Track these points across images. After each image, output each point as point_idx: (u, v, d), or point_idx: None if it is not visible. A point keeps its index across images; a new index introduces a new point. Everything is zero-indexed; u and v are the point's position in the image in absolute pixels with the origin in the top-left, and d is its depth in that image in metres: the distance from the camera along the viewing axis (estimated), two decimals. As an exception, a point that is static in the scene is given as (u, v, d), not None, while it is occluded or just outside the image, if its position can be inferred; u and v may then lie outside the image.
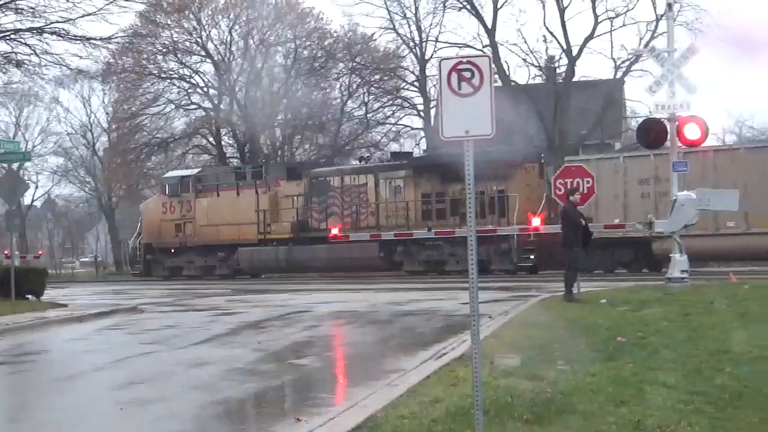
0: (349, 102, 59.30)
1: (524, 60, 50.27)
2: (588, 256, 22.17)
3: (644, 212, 29.65)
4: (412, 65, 56.41)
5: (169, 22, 55.29)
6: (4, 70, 32.60)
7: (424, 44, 54.57)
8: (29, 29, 29.96)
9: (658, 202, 30.89)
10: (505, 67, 49.82)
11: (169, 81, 58.30)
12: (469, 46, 49.44)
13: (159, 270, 47.36)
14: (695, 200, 20.95)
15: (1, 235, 50.93)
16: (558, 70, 50.01)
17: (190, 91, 58.87)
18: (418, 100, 56.96)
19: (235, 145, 60.23)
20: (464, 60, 7.90)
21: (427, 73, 54.21)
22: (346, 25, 58.87)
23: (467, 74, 7.81)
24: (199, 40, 57.00)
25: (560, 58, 49.80)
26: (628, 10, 47.54)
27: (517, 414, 8.27)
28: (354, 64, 57.09)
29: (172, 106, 58.89)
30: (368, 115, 59.05)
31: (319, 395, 11.00)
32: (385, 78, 57.96)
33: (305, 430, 8.65)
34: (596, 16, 47.84)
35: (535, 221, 34.00)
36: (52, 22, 29.63)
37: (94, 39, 30.49)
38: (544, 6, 48.83)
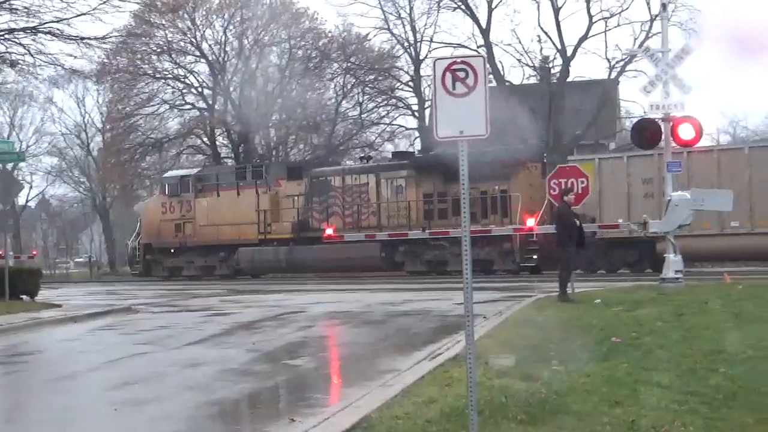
0: (343, 102, 59.40)
1: (519, 60, 50.54)
2: (579, 256, 22.16)
3: (648, 212, 29.60)
4: (407, 65, 56.56)
5: (164, 22, 55.20)
6: (-1, 70, 32.62)
7: (418, 44, 54.70)
8: (23, 29, 29.94)
9: (662, 202, 30.87)
10: (500, 67, 50.00)
11: (163, 81, 58.32)
12: (463, 46, 49.58)
13: (158, 270, 47.24)
14: (689, 200, 20.98)
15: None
16: (552, 71, 50.09)
17: (184, 91, 58.91)
18: (413, 100, 57.03)
19: (230, 146, 60.17)
20: (459, 60, 7.90)
21: (422, 73, 54.31)
22: (340, 25, 59.06)
23: (462, 74, 7.81)
24: (193, 40, 56.98)
25: (555, 58, 49.95)
26: (622, 11, 47.73)
27: (511, 414, 8.27)
28: (348, 64, 57.10)
29: (167, 107, 58.92)
30: (363, 116, 59.05)
31: (314, 396, 11.00)
32: (380, 78, 57.97)
33: (300, 431, 8.65)
34: (591, 16, 47.96)
35: (530, 222, 34.00)
36: (46, 22, 29.65)
37: (89, 39, 30.52)
38: (538, 6, 49.07)
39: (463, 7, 50.25)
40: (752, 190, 30.59)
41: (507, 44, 64.06)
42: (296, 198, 42.27)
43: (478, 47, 48.61)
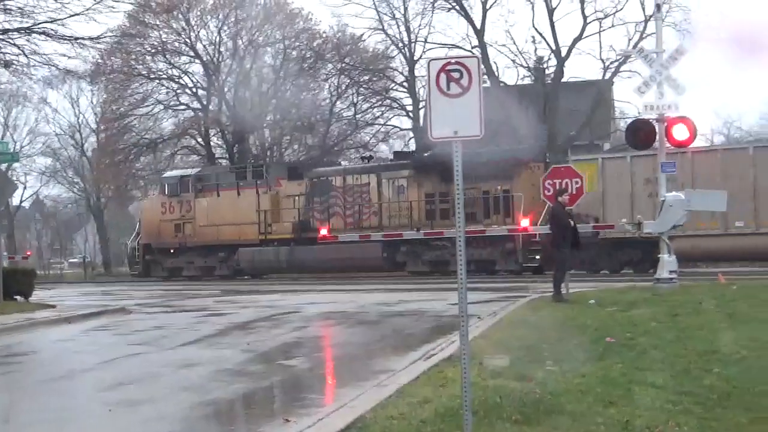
0: (338, 103, 59.31)
1: (513, 61, 50.57)
2: (574, 257, 22.21)
3: (651, 212, 29.60)
4: (401, 66, 56.55)
5: (158, 23, 55.07)
6: (-7, 71, 32.57)
7: (413, 45, 54.74)
8: (18, 29, 29.89)
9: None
10: (494, 67, 50.00)
11: (157, 81, 58.24)
12: (458, 46, 49.64)
13: (158, 271, 47.09)
14: (683, 201, 21.02)
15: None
16: (547, 71, 50.12)
17: (178, 91, 58.86)
18: (407, 100, 57.11)
19: (224, 146, 60.14)
20: (453, 60, 7.91)
21: (416, 73, 54.35)
22: (335, 26, 58.98)
23: (456, 75, 7.81)
24: (187, 40, 56.92)
25: (549, 58, 50.00)
26: (616, 11, 47.79)
27: (505, 414, 8.28)
28: (343, 64, 57.06)
29: (161, 107, 58.86)
30: (357, 116, 59.01)
31: (308, 396, 10.99)
32: (374, 79, 57.95)
33: (294, 431, 8.65)
34: (585, 17, 48.03)
35: (524, 222, 33.97)
36: (40, 22, 29.60)
37: (83, 39, 30.48)
38: (533, 7, 49.06)
39: (457, 7, 50.30)
40: (757, 191, 30.60)
41: (501, 45, 64.39)
42: (297, 198, 42.09)
43: (472, 48, 48.71)
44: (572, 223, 20.39)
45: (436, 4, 51.44)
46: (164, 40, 56.53)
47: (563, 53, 48.54)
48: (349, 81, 58.06)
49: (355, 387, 10.76)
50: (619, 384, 9.62)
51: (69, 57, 31.92)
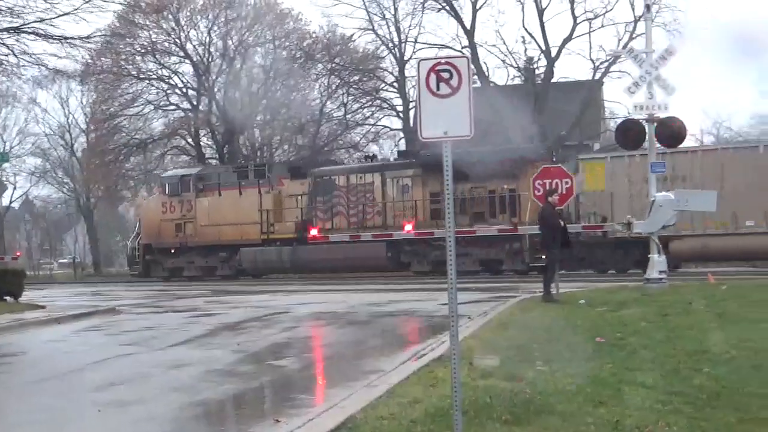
0: (328, 103, 59.33)
1: (503, 61, 50.68)
2: (564, 256, 22.27)
3: None
4: (391, 66, 56.60)
5: (148, 23, 55.05)
6: (-18, 71, 32.46)
7: (403, 45, 54.80)
8: (7, 29, 29.82)
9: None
10: (485, 68, 50.06)
11: (147, 82, 58.19)
12: (448, 47, 49.71)
13: (159, 271, 46.75)
14: (673, 201, 21.07)
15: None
16: (537, 71, 50.21)
17: (168, 92, 58.81)
18: (398, 101, 57.16)
19: (214, 146, 60.08)
20: (443, 61, 7.91)
21: (406, 74, 54.43)
22: (325, 26, 59.07)
23: (446, 75, 7.81)
24: (177, 40, 56.87)
25: (539, 59, 50.12)
26: (606, 12, 47.97)
27: (495, 414, 8.28)
28: (333, 65, 57.06)
29: (151, 107, 58.79)
30: (347, 116, 59.02)
31: (299, 396, 10.98)
32: (365, 79, 57.97)
33: (284, 431, 8.66)
34: (575, 18, 48.16)
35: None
36: (30, 22, 29.53)
37: (73, 39, 30.41)
38: (523, 7, 49.19)
39: (447, 8, 50.38)
40: (766, 190, 30.59)
41: (492, 45, 64.57)
42: (299, 197, 41.70)
43: (462, 48, 48.79)
44: (562, 223, 20.44)
45: (426, 5, 51.58)
46: (154, 40, 56.51)
47: (553, 53, 48.69)
48: (339, 81, 58.07)
49: (345, 387, 10.75)
50: (609, 384, 9.64)
51: (59, 57, 31.92)
